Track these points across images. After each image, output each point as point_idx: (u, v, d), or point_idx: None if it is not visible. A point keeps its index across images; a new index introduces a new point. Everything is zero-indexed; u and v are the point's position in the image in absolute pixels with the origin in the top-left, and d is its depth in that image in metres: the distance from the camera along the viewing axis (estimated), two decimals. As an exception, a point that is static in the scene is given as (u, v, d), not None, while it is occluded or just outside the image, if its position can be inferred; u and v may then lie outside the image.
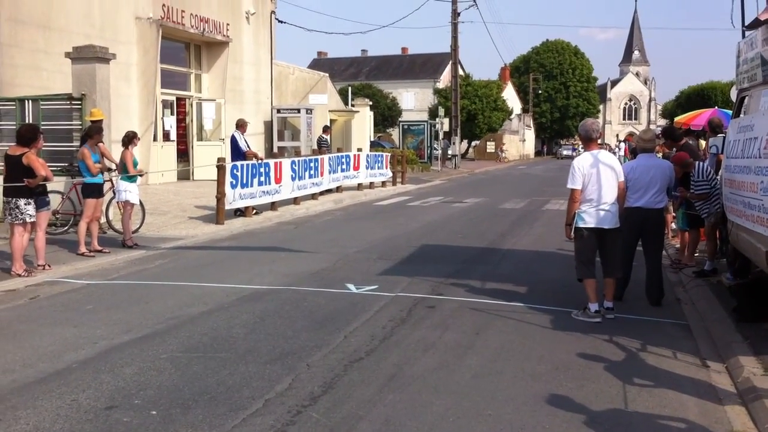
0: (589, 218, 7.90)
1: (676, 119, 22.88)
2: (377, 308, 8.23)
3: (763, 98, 7.92)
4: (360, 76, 77.83)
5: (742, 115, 9.17)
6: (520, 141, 78.38)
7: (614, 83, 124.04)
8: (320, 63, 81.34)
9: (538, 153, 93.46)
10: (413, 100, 77.88)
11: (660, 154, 15.95)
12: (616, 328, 7.63)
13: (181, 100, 25.13)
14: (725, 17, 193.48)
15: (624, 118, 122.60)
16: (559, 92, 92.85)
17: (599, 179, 7.87)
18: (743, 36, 9.33)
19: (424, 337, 7.15)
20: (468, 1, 43.78)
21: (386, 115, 62.16)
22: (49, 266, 10.32)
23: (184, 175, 24.42)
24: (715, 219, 10.31)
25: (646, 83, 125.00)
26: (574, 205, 7.97)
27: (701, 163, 10.31)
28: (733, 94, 23.85)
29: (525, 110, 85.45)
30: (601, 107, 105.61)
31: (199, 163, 24.58)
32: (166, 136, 23.84)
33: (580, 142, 29.66)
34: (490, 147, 66.98)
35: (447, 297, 8.89)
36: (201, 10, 24.40)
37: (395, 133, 62.31)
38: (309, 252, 12.24)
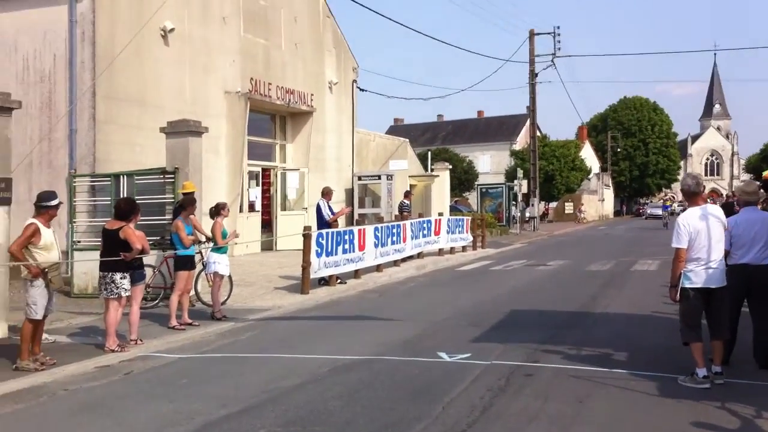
0: (696, 278, 7.61)
1: (765, 174, 22.10)
2: (473, 377, 8.03)
3: None
4: (436, 141, 78.38)
5: None
6: (599, 201, 77.18)
7: (695, 138, 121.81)
8: (397, 129, 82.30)
9: (617, 213, 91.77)
10: (489, 162, 77.88)
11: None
12: (727, 393, 7.26)
13: (265, 171, 25.61)
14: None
15: (706, 174, 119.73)
16: (638, 149, 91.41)
17: (709, 235, 7.59)
18: None
19: (525, 407, 6.92)
20: (545, 62, 43.90)
21: (462, 179, 62.13)
22: (142, 341, 10.43)
23: (268, 246, 24.73)
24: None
25: (727, 137, 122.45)
26: (679, 264, 7.67)
27: None
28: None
29: (603, 169, 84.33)
30: (681, 163, 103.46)
31: (282, 232, 24.88)
32: (251, 207, 24.25)
33: (672, 198, 28.27)
34: (569, 208, 66.12)
35: (543, 364, 8.64)
36: (287, 82, 25.01)
37: (472, 197, 62.30)
38: (396, 320, 12.13)
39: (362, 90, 31.01)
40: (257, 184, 25.13)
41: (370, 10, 76.55)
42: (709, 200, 41.55)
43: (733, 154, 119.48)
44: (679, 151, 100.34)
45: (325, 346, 10.03)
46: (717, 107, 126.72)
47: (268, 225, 25.69)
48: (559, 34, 45.00)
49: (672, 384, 7.66)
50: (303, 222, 24.81)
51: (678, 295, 7.73)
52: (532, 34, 44.52)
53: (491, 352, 9.29)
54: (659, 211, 62.30)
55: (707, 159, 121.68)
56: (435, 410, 6.84)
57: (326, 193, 17.64)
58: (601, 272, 19.09)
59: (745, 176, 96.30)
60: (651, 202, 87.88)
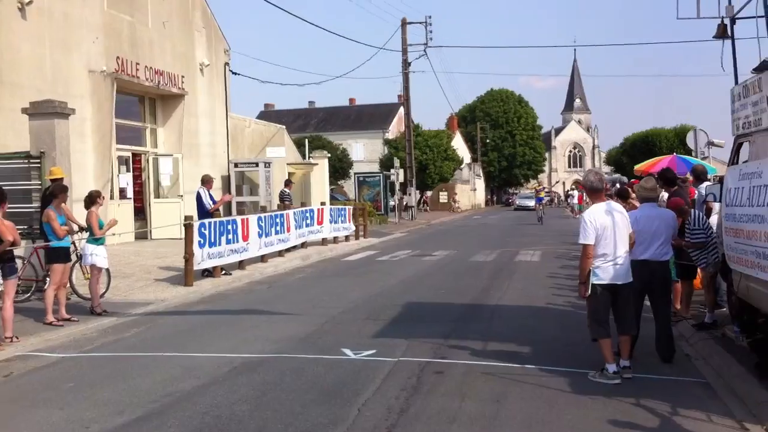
0: (603, 274, 7.54)
1: (636, 167, 22.95)
2: (383, 375, 7.72)
3: (773, 144, 7.68)
4: (308, 128, 77.53)
5: (742, 162, 8.97)
6: (471, 191, 78.77)
7: (558, 131, 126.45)
8: (268, 115, 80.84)
9: (487, 202, 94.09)
10: (363, 151, 77.85)
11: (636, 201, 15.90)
12: (638, 389, 7.23)
13: (136, 156, 24.39)
14: (663, 64, 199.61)
15: (569, 166, 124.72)
16: (506, 141, 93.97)
17: (614, 232, 7.54)
18: (736, 81, 9.19)
19: (443, 407, 6.65)
20: (418, 51, 44.10)
21: (337, 167, 61.83)
22: (18, 338, 9.60)
23: (142, 234, 23.58)
24: (714, 269, 10.08)
25: (588, 131, 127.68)
26: (587, 261, 7.57)
27: (697, 211, 10.10)
28: (690, 140, 24.22)
29: (474, 159, 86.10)
30: (546, 155, 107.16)
31: (156, 220, 23.82)
32: (122, 194, 23.05)
33: (544, 189, 28.41)
34: (443, 197, 67.06)
35: (452, 360, 8.42)
36: (155, 62, 23.81)
37: (347, 185, 62.12)
38: (291, 314, 11.68)
39: (235, 74, 30.06)
40: (128, 170, 23.93)
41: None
42: (575, 190, 43.41)
43: (594, 147, 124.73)
44: (544, 143, 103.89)
45: (221, 344, 9.48)
46: (578, 101, 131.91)
47: (141, 212, 24.52)
48: (431, 24, 45.33)
49: (581, 379, 7.59)
50: (179, 210, 23.87)
51: (587, 291, 7.64)
52: (404, 23, 44.63)
53: (396, 348, 9.00)
54: (530, 202, 59.25)
55: (570, 151, 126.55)
56: (351, 413, 6.48)
57: (206, 181, 16.92)
58: (486, 263, 19.20)
59: (606, 168, 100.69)
60: (519, 192, 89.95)
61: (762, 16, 8.21)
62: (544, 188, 41.00)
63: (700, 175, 11.66)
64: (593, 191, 7.83)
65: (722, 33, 9.52)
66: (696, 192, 11.67)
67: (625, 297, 7.76)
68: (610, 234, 7.53)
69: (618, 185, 18.98)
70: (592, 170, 8.39)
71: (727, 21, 9.49)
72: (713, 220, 10.17)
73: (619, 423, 6.29)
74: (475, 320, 11.07)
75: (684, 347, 9.27)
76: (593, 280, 7.56)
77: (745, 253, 8.03)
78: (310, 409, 6.60)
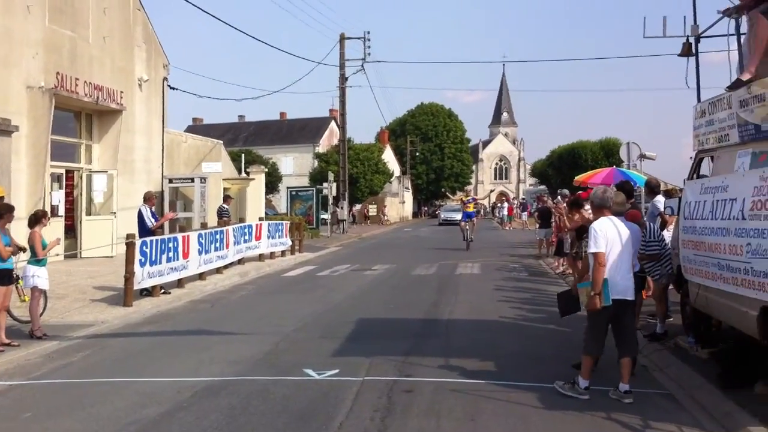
0: (610, 289, 7.33)
1: (576, 178, 23.40)
2: (352, 396, 7.59)
3: (740, 159, 7.89)
4: (238, 142, 76.80)
5: (704, 177, 9.19)
6: (399, 203, 79.05)
7: (485, 144, 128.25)
8: (196, 129, 79.39)
9: (415, 214, 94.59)
10: (292, 165, 77.51)
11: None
12: (606, 403, 7.29)
13: (69, 173, 23.65)
14: (588, 80, 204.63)
15: (495, 178, 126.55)
16: (435, 154, 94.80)
17: (622, 245, 7.45)
18: (698, 99, 9.44)
19: (421, 427, 6.59)
20: (355, 66, 44.09)
21: (267, 181, 61.28)
22: (-42, 366, 9.14)
23: (71, 253, 22.82)
24: (667, 281, 10.29)
25: (515, 143, 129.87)
26: (601, 270, 7.27)
27: (652, 224, 10.30)
28: (624, 152, 24.84)
29: (403, 172, 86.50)
30: (474, 167, 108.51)
31: (87, 238, 23.13)
32: (54, 212, 22.27)
33: (473, 202, 28.13)
34: (372, 210, 67.11)
35: (418, 378, 8.35)
36: (94, 77, 23.19)
37: (279, 199, 61.66)
38: (243, 333, 11.44)
39: (173, 89, 29.49)
40: (60, 187, 23.19)
41: None
42: (506, 203, 44.24)
43: (519, 160, 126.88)
44: (471, 156, 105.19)
45: (177, 367, 9.20)
46: (505, 115, 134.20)
47: (71, 230, 23.77)
48: (369, 39, 45.37)
49: (550, 394, 7.61)
50: (111, 227, 23.27)
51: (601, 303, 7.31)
52: (342, 38, 44.59)
53: (359, 366, 8.88)
54: (456, 216, 47.04)
55: (496, 164, 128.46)
56: (327, 437, 6.34)
57: (148, 199, 16.47)
58: (428, 276, 19.23)
59: (531, 180, 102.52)
60: (445, 204, 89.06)
61: (732, 34, 8.43)
62: (473, 199, 31.35)
63: (654, 188, 11.91)
64: (600, 207, 7.69)
65: (687, 51, 9.78)
66: (651, 205, 11.92)
67: (629, 315, 7.67)
68: (618, 248, 7.43)
69: (563, 196, 19.32)
70: (601, 187, 8.19)
71: (692, 40, 9.73)
72: (666, 234, 10.40)
73: (597, 438, 6.33)
74: (432, 336, 11.04)
75: (639, 358, 9.40)
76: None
77: (706, 265, 8.21)
78: (285, 434, 6.44)
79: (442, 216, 60.01)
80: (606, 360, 8.55)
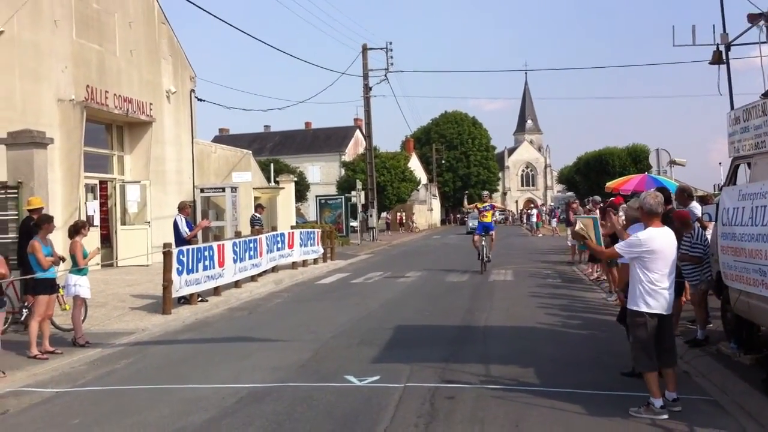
0: (654, 302, 7.14)
1: (607, 185, 23.30)
2: (395, 402, 7.64)
3: (779, 165, 7.88)
4: (264, 152, 77.27)
5: (741, 183, 9.16)
6: (428, 210, 79.12)
7: (511, 151, 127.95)
8: (222, 140, 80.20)
9: (443, 221, 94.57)
10: (319, 173, 77.87)
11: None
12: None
13: (102, 183, 24.05)
14: (611, 87, 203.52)
15: (522, 185, 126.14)
16: (461, 161, 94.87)
17: (667, 259, 7.19)
18: (732, 106, 9.42)
19: (465, 434, 6.61)
20: (378, 76, 44.26)
21: (295, 189, 61.57)
22: (4, 373, 9.32)
23: (107, 262, 23.12)
24: (707, 287, 10.25)
25: (540, 150, 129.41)
26: (606, 254, 7.82)
27: (699, 227, 10.26)
28: (653, 159, 24.64)
29: (430, 180, 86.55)
30: (500, 175, 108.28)
31: (122, 247, 23.47)
32: (89, 222, 22.60)
33: (491, 210, 22.42)
34: (401, 218, 67.24)
35: (460, 385, 8.38)
36: (123, 90, 23.61)
37: (307, 208, 61.92)
38: (281, 340, 11.55)
39: (200, 100, 29.85)
40: (94, 198, 23.57)
41: (206, 11, 73.97)
42: (534, 209, 42.34)
43: (546, 166, 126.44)
44: (497, 163, 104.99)
45: (220, 373, 9.31)
46: (529, 122, 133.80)
47: (107, 240, 24.11)
48: (391, 50, 45.53)
49: (592, 400, 7.62)
50: (145, 236, 23.55)
51: (635, 318, 7.23)
52: (365, 49, 44.78)
53: (399, 373, 8.93)
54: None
55: (523, 171, 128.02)
56: (374, 443, 6.39)
57: (183, 208, 16.69)
58: (462, 283, 19.24)
59: (559, 187, 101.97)
60: (470, 212, 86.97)
61: (764, 42, 8.42)
62: (492, 206, 23.81)
63: (689, 195, 11.87)
64: (651, 214, 7.32)
65: (718, 59, 9.75)
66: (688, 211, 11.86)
67: (670, 327, 7.49)
68: (663, 260, 7.16)
69: (594, 203, 19.23)
70: (651, 193, 7.70)
71: (722, 48, 9.71)
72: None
73: (644, 444, 6.32)
74: (470, 342, 11.06)
75: (680, 364, 9.36)
76: (643, 309, 7.16)
77: (747, 271, 8.18)
78: (332, 440, 6.51)
79: (470, 224, 54.15)
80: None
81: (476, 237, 22.39)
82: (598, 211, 17.33)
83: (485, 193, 24.79)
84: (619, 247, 7.33)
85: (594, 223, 7.94)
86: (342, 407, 7.56)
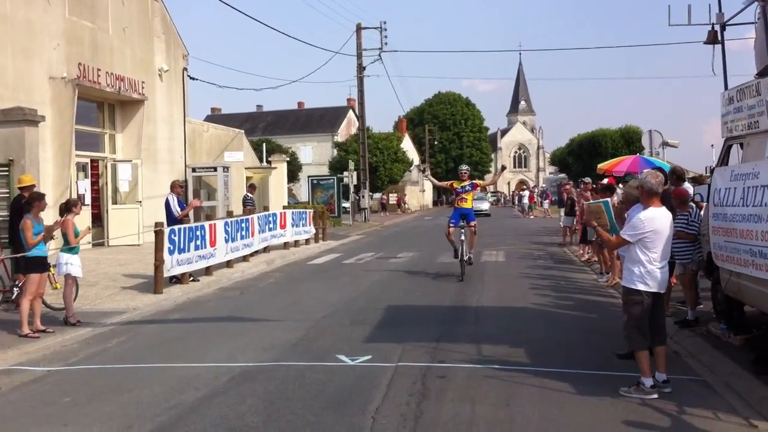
0: (651, 281, 7.17)
1: (599, 166, 23.36)
2: (387, 381, 7.67)
3: (771, 145, 7.88)
4: (256, 132, 76.99)
5: (733, 163, 9.18)
6: (420, 192, 79.10)
7: (504, 132, 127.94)
8: (215, 119, 79.65)
9: (434, 203, 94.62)
10: (311, 154, 77.72)
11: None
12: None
13: (93, 162, 23.94)
14: (605, 68, 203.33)
15: (515, 166, 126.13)
16: (453, 142, 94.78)
17: (667, 236, 7.23)
18: (726, 86, 9.41)
19: (456, 413, 6.64)
20: (372, 56, 44.10)
21: (287, 169, 61.46)
22: (-4, 352, 9.32)
23: (98, 241, 23.06)
24: (697, 267, 10.31)
25: (533, 132, 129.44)
26: (615, 246, 7.77)
27: (695, 206, 10.30)
28: (646, 140, 24.62)
29: (422, 161, 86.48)
30: (493, 156, 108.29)
31: (113, 227, 23.40)
32: (81, 201, 22.50)
33: (463, 190, 16.12)
34: (393, 198, 67.22)
35: (451, 364, 8.42)
36: (115, 67, 23.45)
37: (299, 188, 61.85)
38: (274, 320, 11.56)
39: (193, 78, 29.68)
40: (86, 176, 23.47)
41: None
42: (527, 190, 41.45)
43: (539, 148, 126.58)
44: (490, 145, 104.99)
45: (212, 353, 9.32)
46: (522, 103, 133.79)
47: (98, 219, 24.04)
48: (386, 29, 45.33)
49: (582, 379, 7.67)
50: (137, 216, 23.49)
51: (629, 296, 7.29)
52: (359, 28, 44.61)
53: (391, 352, 8.96)
54: (482, 205, 48.99)
55: (515, 152, 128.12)
56: (365, 422, 6.42)
57: (175, 187, 16.64)
58: (453, 264, 19.01)
59: (551, 168, 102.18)
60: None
61: (754, 23, 8.41)
62: (473, 185, 16.91)
63: (681, 176, 11.90)
64: (651, 194, 7.27)
65: (713, 39, 9.75)
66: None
67: (661, 305, 7.56)
68: (662, 240, 7.18)
69: (589, 182, 19.22)
70: (651, 172, 7.68)
71: (717, 27, 9.70)
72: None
73: (634, 423, 6.36)
74: (462, 322, 11.09)
75: (670, 345, 9.42)
76: (639, 287, 7.18)
77: (738, 251, 8.21)
78: (324, 418, 6.52)
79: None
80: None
81: (451, 229, 16.53)
82: (592, 192, 17.33)
83: (463, 168, 17.30)
84: (625, 233, 7.26)
85: (605, 206, 7.87)
86: (334, 386, 7.58)
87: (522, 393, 7.25)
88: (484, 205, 52.81)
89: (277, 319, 11.66)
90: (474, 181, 17.24)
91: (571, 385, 7.47)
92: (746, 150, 8.71)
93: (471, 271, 16.72)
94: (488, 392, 7.28)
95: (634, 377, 7.25)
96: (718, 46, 9.61)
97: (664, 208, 7.41)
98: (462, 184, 16.56)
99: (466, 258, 16.03)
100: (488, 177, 73.35)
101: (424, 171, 17.44)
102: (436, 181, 21.79)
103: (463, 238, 16.04)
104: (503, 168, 18.54)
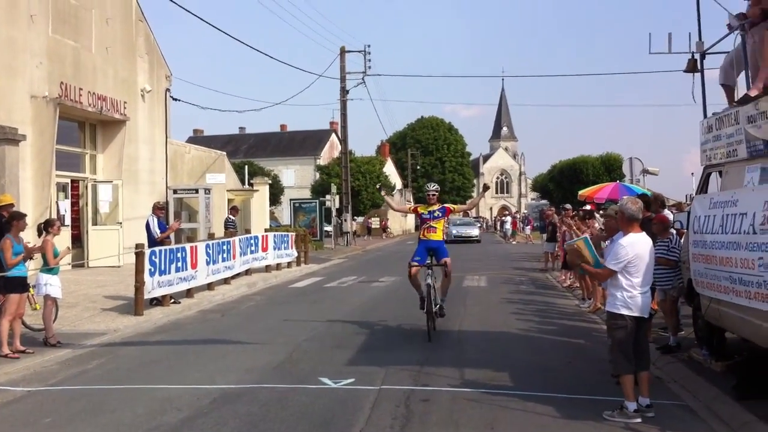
0: (634, 306, 7.22)
1: (580, 193, 23.52)
2: (370, 404, 7.65)
3: (749, 174, 7.98)
4: (238, 154, 76.82)
5: (712, 191, 9.28)
6: (402, 216, 79.09)
7: (486, 158, 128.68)
8: (197, 141, 79.55)
9: (416, 227, 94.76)
10: (294, 177, 77.62)
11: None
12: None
13: (74, 182, 23.79)
14: (587, 95, 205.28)
15: (497, 192, 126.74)
16: (436, 167, 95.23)
17: (648, 261, 7.30)
18: (705, 114, 9.53)
19: (440, 436, 6.62)
20: (356, 79, 44.27)
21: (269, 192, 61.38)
22: (-26, 372, 9.20)
23: (78, 262, 22.87)
24: (678, 294, 10.37)
25: (515, 158, 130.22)
26: (605, 278, 7.49)
27: (675, 233, 10.39)
28: (626, 167, 24.80)
29: (405, 185, 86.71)
30: (475, 181, 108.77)
31: (93, 248, 23.24)
32: (61, 221, 22.36)
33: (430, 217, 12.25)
34: (375, 223, 67.20)
35: (435, 388, 8.40)
36: (98, 87, 23.39)
37: (281, 211, 61.69)
38: (256, 343, 11.47)
39: (175, 99, 29.67)
40: (66, 197, 23.32)
41: (185, 9, 73.58)
42: (509, 216, 41.35)
43: (520, 174, 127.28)
44: (472, 170, 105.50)
45: (193, 374, 9.26)
46: (505, 129, 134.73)
47: (77, 240, 23.86)
48: (369, 53, 45.56)
49: (565, 404, 7.68)
50: (117, 237, 23.33)
51: (613, 321, 7.34)
52: (343, 51, 44.77)
53: (374, 376, 8.94)
54: (472, 231, 50.97)
55: (497, 178, 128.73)
56: (349, 444, 6.39)
57: (156, 209, 16.55)
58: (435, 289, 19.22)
59: (533, 194, 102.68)
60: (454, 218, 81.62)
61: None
62: (443, 210, 12.43)
63: (663, 203, 12.02)
64: (631, 220, 7.35)
65: (692, 67, 9.88)
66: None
67: (645, 330, 7.63)
68: (643, 265, 7.25)
69: (570, 209, 19.32)
70: (631, 198, 7.75)
71: (697, 56, 9.84)
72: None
73: (618, 448, 6.37)
74: (444, 347, 11.08)
75: (653, 370, 9.44)
76: (623, 312, 7.23)
77: (717, 278, 8.28)
78: (307, 440, 6.49)
79: (454, 232, 49.73)
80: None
81: (413, 269, 12.19)
82: (574, 218, 17.43)
83: (431, 188, 12.83)
84: (609, 263, 7.32)
85: (585, 242, 7.90)
86: (317, 408, 7.54)
87: (506, 417, 7.25)
88: (474, 231, 51.82)
89: (259, 341, 11.58)
90: (446, 206, 12.68)
91: (555, 409, 7.47)
92: (725, 178, 8.81)
93: (453, 296, 16.56)
94: (472, 416, 7.26)
95: (617, 401, 7.26)
96: (698, 75, 9.76)
97: (644, 233, 7.48)
98: (430, 209, 12.35)
99: (435, 308, 11.87)
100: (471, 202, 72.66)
101: (379, 189, 13.73)
102: (393, 204, 15.09)
103: (429, 281, 11.87)
104: (486, 187, 14.67)
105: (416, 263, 12.19)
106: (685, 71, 9.96)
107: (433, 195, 12.57)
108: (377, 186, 15.04)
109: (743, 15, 8.25)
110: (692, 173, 31.83)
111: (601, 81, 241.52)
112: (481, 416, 7.25)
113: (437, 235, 12.36)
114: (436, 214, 12.31)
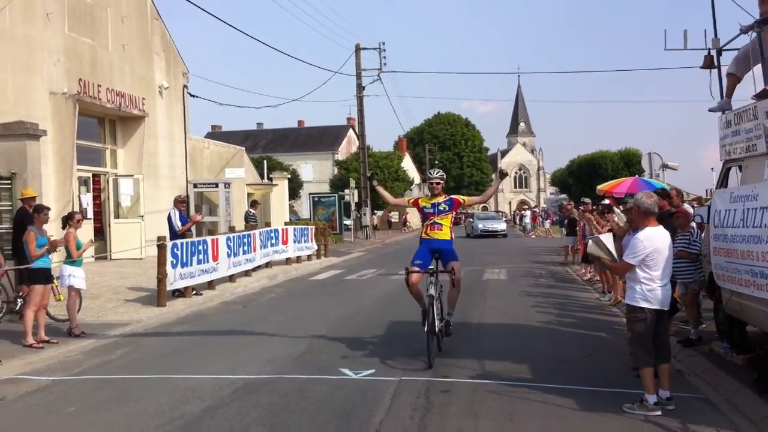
0: (654, 299, 7.22)
1: (599, 187, 23.44)
2: (390, 395, 7.70)
3: None
4: (257, 149, 77.01)
5: (732, 185, 9.24)
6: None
7: (504, 153, 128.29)
8: (215, 136, 79.77)
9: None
10: (312, 171, 77.85)
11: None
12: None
13: (96, 177, 24.02)
14: (603, 91, 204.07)
15: (515, 187, 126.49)
16: (454, 162, 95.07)
17: (667, 254, 7.30)
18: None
19: (460, 427, 6.67)
20: (371, 76, 44.24)
21: (288, 187, 61.62)
22: (0, 361, 9.34)
23: (101, 255, 23.11)
24: (699, 287, 10.34)
25: (533, 153, 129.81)
26: (624, 272, 7.52)
27: (696, 227, 10.37)
28: (645, 162, 24.64)
29: (423, 180, 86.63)
30: (493, 176, 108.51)
31: (116, 240, 23.45)
32: (83, 214, 22.59)
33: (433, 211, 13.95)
34: (394, 217, 67.31)
35: (454, 379, 8.44)
36: (115, 84, 23.58)
37: (300, 205, 61.90)
38: (277, 335, 11.55)
39: (193, 96, 29.78)
40: (87, 191, 23.54)
41: (200, 8, 73.76)
42: (528, 210, 41.38)
43: (539, 169, 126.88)
44: (490, 165, 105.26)
45: (215, 365, 9.35)
46: (522, 125, 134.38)
47: (100, 233, 24.06)
48: (384, 50, 45.45)
49: (585, 396, 7.68)
50: (139, 230, 23.54)
51: (633, 314, 7.33)
52: (358, 49, 44.77)
53: (395, 367, 9.00)
54: (498, 225, 49.50)
55: (516, 173, 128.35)
56: (370, 434, 6.44)
57: (178, 202, 16.71)
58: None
59: (552, 189, 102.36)
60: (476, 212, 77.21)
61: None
62: (450, 202, 9.91)
63: (682, 198, 11.98)
64: (647, 214, 7.35)
65: (709, 64, 9.83)
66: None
67: (664, 323, 7.62)
68: (662, 258, 7.25)
69: (589, 203, 19.25)
70: (646, 192, 7.76)
71: (713, 53, 9.79)
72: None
73: (637, 439, 6.38)
74: (464, 339, 11.10)
75: (674, 363, 9.43)
76: (642, 305, 7.23)
77: (739, 272, 8.25)
78: (328, 431, 6.54)
79: (480, 226, 48.68)
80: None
81: (413, 276, 9.88)
82: (593, 213, 17.38)
83: (434, 174, 10.26)
84: (627, 257, 7.31)
85: (597, 242, 7.88)
86: (337, 399, 7.61)
87: (525, 408, 7.27)
88: (501, 225, 50.18)
89: (280, 333, 11.67)
90: (453, 197, 10.24)
91: (575, 401, 7.48)
92: (745, 172, 8.78)
93: (473, 288, 16.82)
94: (491, 407, 7.30)
95: (637, 394, 7.27)
96: (715, 71, 9.68)
97: (661, 227, 7.46)
98: (434, 201, 10.05)
99: (439, 324, 9.80)
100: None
101: (371, 179, 11.35)
102: (387, 195, 10.98)
103: (432, 291, 9.75)
104: (503, 174, 12.33)
105: (416, 269, 9.83)
106: (701, 68, 9.90)
107: (438, 184, 10.09)
108: (368, 174, 12.55)
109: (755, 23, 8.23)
110: (711, 168, 31.60)
111: (618, 77, 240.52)
112: (500, 407, 7.28)
113: (444, 234, 10.03)
114: (441, 208, 9.95)
